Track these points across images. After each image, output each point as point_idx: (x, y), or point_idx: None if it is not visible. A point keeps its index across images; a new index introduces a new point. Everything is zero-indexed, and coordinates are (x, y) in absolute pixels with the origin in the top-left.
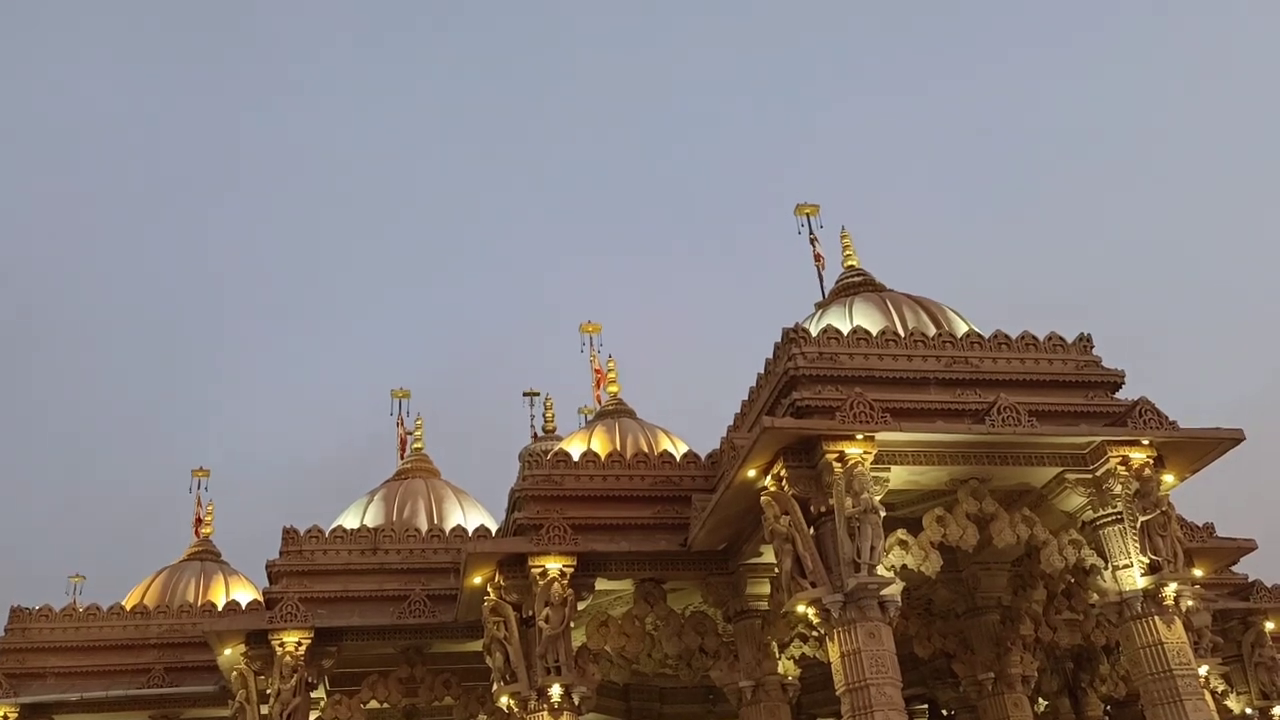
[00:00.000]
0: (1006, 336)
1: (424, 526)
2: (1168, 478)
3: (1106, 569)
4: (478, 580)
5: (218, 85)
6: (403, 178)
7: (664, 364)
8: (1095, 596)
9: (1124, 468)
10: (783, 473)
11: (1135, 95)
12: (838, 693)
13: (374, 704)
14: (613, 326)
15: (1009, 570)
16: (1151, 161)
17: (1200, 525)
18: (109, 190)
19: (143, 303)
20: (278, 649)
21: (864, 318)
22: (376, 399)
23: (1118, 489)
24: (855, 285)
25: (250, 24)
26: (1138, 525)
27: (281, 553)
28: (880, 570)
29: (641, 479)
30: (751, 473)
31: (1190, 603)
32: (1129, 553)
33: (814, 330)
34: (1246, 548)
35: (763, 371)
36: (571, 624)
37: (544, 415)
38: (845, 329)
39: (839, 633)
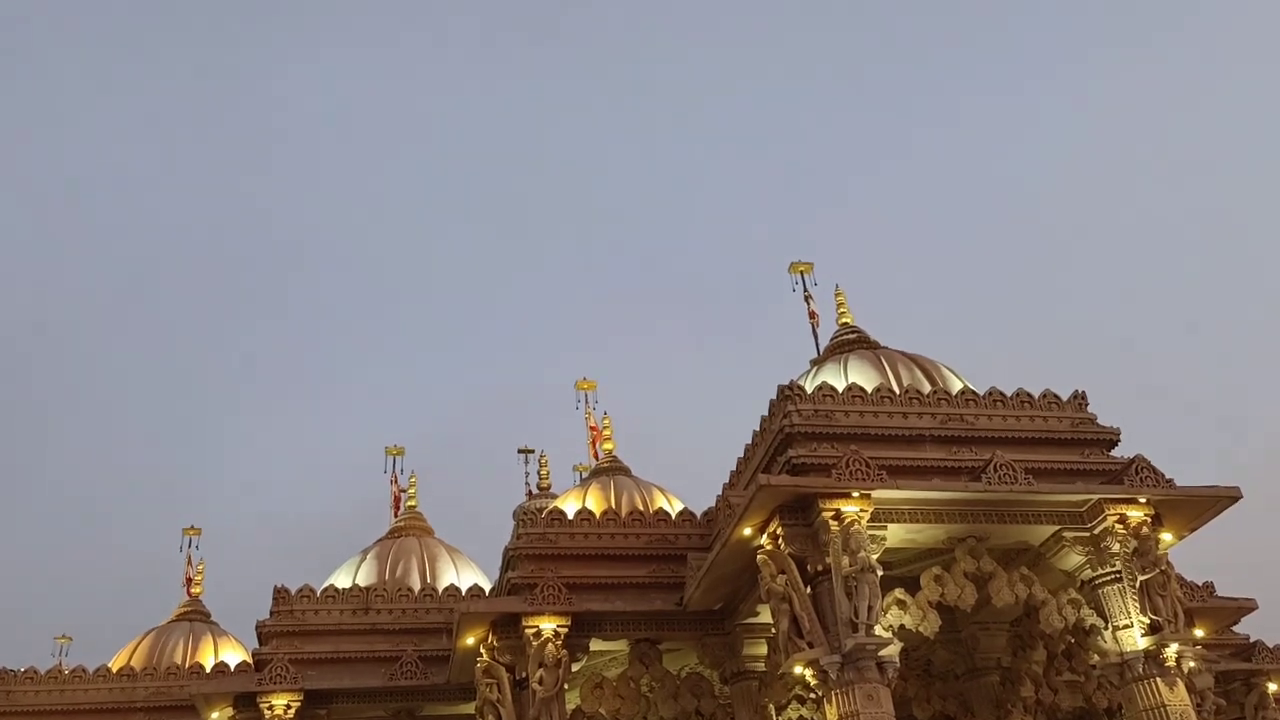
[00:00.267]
0: (1001, 393)
1: (417, 586)
2: (1166, 536)
3: (1107, 629)
4: (470, 641)
5: (230, 159)
6: (398, 242)
7: (659, 421)
8: (1096, 657)
9: (1122, 526)
10: (779, 531)
11: (1132, 138)
12: None
13: None
14: (608, 384)
15: (1008, 630)
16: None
17: (1200, 584)
18: (111, 260)
19: (141, 363)
20: (267, 712)
21: (859, 375)
22: (371, 456)
23: (1116, 547)
24: (850, 342)
25: (252, 102)
26: (1137, 584)
27: (272, 612)
28: (878, 630)
29: (637, 537)
30: (747, 531)
31: (1192, 664)
32: (1129, 612)
33: (809, 387)
34: (1247, 607)
35: (758, 429)
36: (565, 686)
37: (539, 472)
38: (840, 386)
39: (837, 695)
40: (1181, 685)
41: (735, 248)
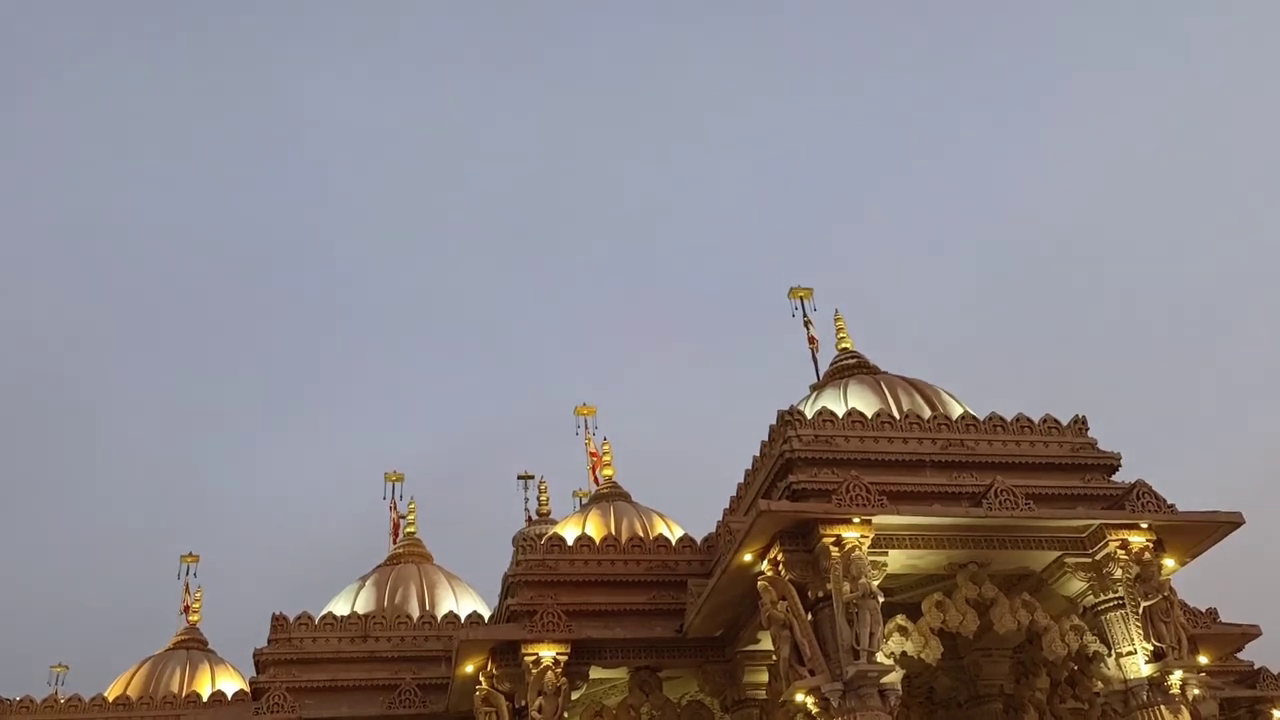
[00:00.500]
0: (1002, 419)
1: (415, 613)
2: (1168, 562)
3: (1110, 656)
4: (469, 669)
5: (235, 182)
6: (397, 269)
7: (659, 446)
8: (1100, 684)
9: (1123, 551)
10: (779, 557)
11: (1137, 151)
12: None
13: None
14: (608, 409)
15: (1011, 657)
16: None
17: (1204, 610)
18: (111, 287)
19: (140, 390)
20: None
21: (859, 400)
22: (370, 482)
23: (1118, 573)
24: (850, 368)
25: (256, 122)
26: (1140, 610)
27: (270, 640)
28: (880, 657)
29: (637, 564)
30: (748, 557)
31: (1197, 691)
32: (1132, 639)
33: (809, 412)
34: (1251, 633)
35: (758, 454)
36: (565, 714)
37: (539, 498)
38: (840, 411)
39: None
40: (1186, 712)
41: (737, 273)
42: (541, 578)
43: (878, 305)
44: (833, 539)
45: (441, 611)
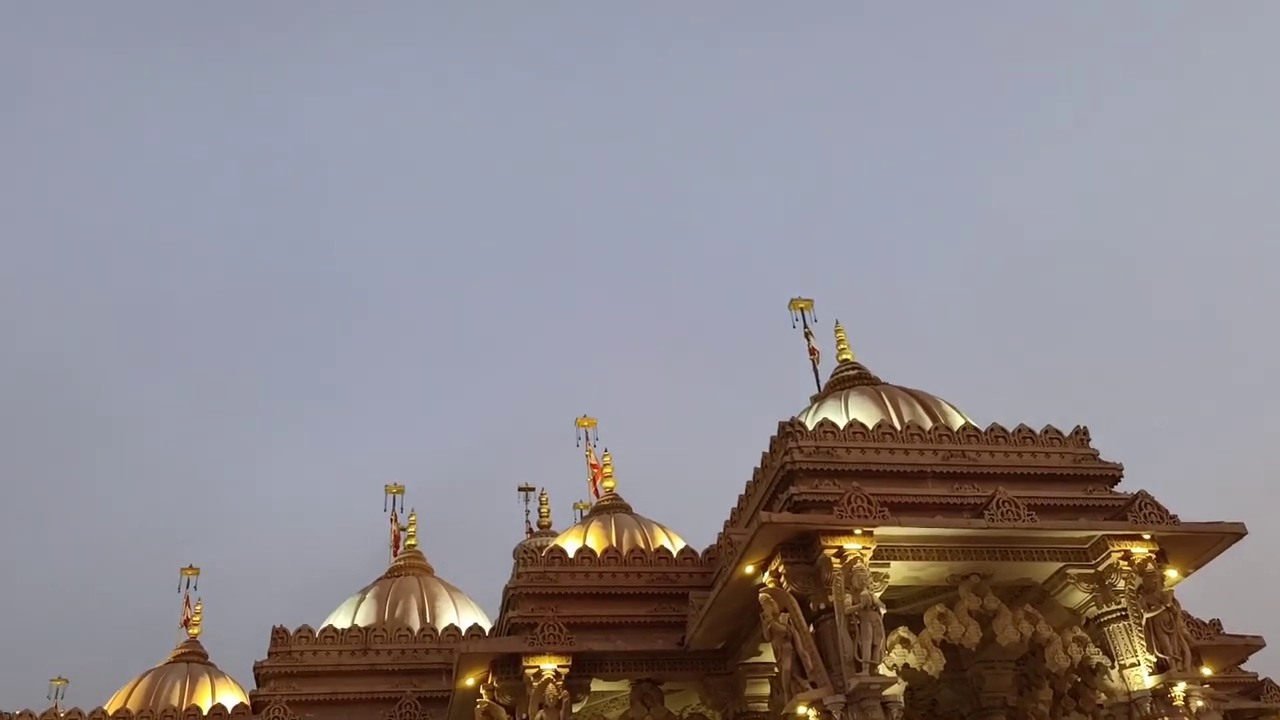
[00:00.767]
0: (1003, 429)
1: (416, 625)
2: (1171, 573)
3: (1113, 668)
4: (470, 681)
5: (238, 200)
6: (401, 277)
7: (660, 458)
8: (1103, 696)
9: (1126, 563)
10: (781, 569)
11: (1141, 165)
12: None
13: None
14: (609, 421)
15: (1014, 669)
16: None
17: (1207, 621)
18: (112, 300)
19: (139, 403)
20: None
21: (860, 411)
22: (371, 495)
23: (1121, 584)
24: (850, 379)
25: (259, 137)
26: (1143, 622)
27: (270, 653)
28: (882, 669)
29: (638, 576)
30: (749, 569)
31: (1200, 703)
32: (1135, 651)
33: (810, 424)
34: (1255, 645)
35: (759, 466)
36: None
37: (539, 510)
38: (841, 423)
39: None
40: None
41: (738, 284)
42: (542, 590)
43: (878, 316)
44: (834, 551)
45: (442, 624)
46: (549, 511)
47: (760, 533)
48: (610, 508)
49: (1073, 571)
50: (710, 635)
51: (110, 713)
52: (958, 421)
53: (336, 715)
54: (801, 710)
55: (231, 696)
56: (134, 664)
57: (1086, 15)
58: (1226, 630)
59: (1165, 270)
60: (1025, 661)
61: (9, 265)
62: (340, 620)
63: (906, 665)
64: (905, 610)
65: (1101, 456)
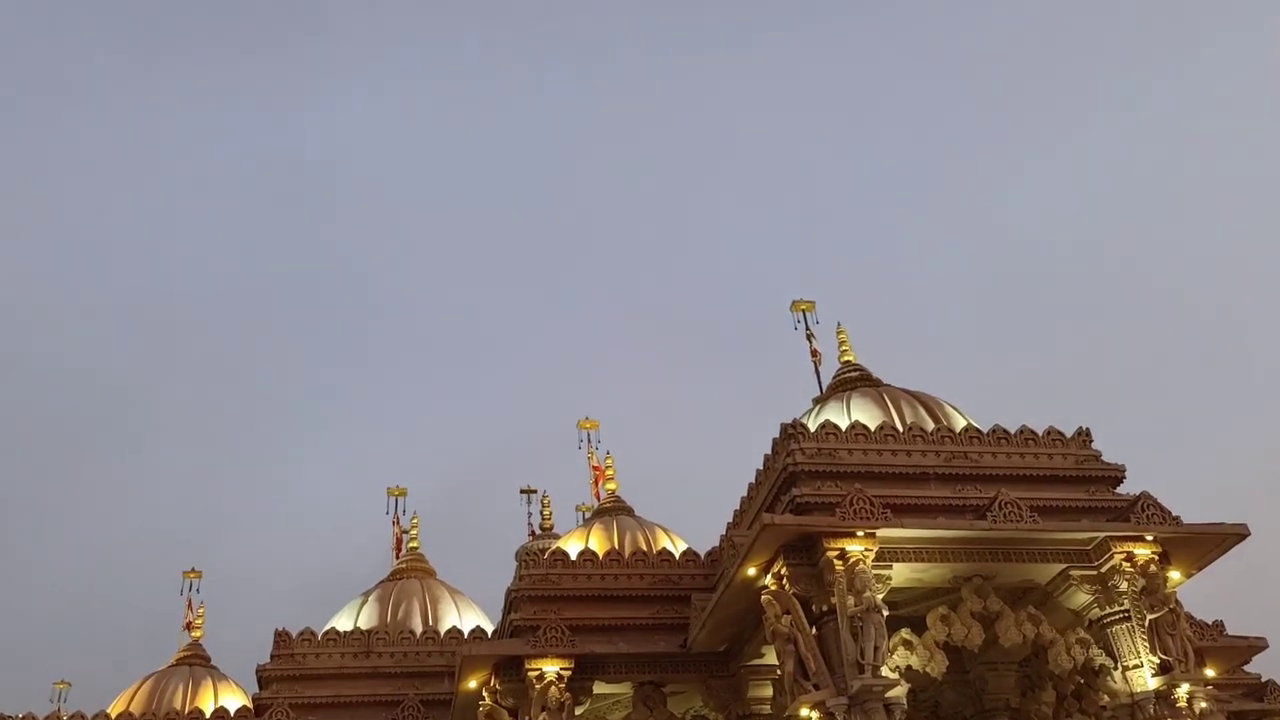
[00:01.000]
0: (1005, 431)
1: (418, 628)
2: (1174, 574)
3: (1116, 669)
4: (473, 684)
5: (241, 207)
6: (405, 281)
7: (662, 460)
8: (1106, 698)
9: (1129, 564)
10: (783, 571)
11: (1142, 170)
12: None
13: None
14: (611, 423)
15: (1017, 671)
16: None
17: (1210, 623)
18: (116, 305)
19: (144, 407)
20: None
21: (862, 413)
22: (374, 497)
23: (1124, 586)
24: (852, 380)
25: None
26: (1146, 623)
27: (272, 656)
28: (885, 671)
29: (640, 578)
30: (752, 571)
31: (1204, 704)
32: (1138, 652)
33: (812, 426)
34: (1258, 646)
35: (761, 468)
36: None
37: (541, 513)
38: (843, 424)
39: None
40: None
41: (739, 286)
42: (545, 593)
43: (880, 318)
44: (837, 552)
45: (444, 627)
46: (551, 514)
47: (762, 535)
48: (612, 510)
49: (1075, 573)
50: (713, 637)
51: (113, 716)
52: (960, 423)
53: (339, 718)
54: (804, 712)
55: (234, 699)
56: (137, 667)
57: (1087, 17)
58: (1230, 632)
59: (1166, 271)
60: (1028, 663)
61: (20, 269)
62: (343, 623)
63: (909, 667)
64: (908, 612)
65: (1104, 458)
